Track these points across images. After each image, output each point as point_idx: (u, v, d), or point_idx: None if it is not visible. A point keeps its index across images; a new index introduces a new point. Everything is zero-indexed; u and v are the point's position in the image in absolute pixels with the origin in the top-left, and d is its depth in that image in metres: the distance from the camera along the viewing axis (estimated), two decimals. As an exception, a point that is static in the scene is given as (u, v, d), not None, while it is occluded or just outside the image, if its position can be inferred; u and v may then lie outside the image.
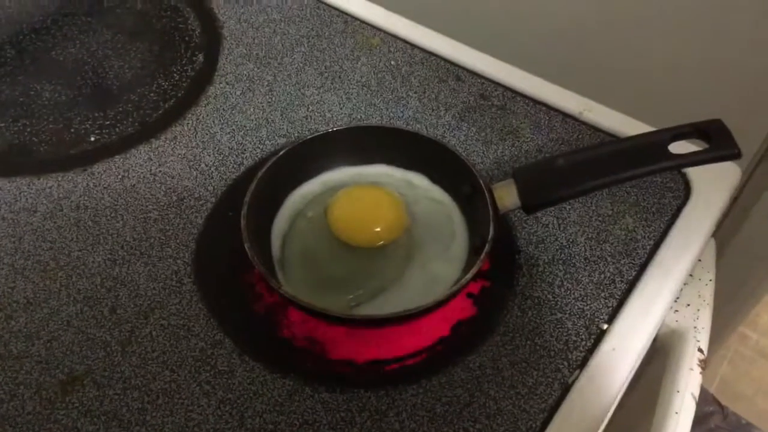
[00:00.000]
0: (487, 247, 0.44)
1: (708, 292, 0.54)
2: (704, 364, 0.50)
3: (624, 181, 0.47)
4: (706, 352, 0.51)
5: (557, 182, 0.46)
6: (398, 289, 0.46)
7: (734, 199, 0.79)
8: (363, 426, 0.41)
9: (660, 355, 0.52)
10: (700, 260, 0.55)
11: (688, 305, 0.52)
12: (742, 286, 0.89)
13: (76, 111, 0.59)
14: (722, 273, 0.83)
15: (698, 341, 0.51)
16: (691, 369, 0.49)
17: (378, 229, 0.48)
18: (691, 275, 0.54)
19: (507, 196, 0.47)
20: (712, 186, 0.53)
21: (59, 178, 0.53)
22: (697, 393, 0.48)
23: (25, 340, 0.44)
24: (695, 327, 0.52)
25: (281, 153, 0.49)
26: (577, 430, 0.41)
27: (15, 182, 0.53)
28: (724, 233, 0.84)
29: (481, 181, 0.47)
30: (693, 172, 0.53)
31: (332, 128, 0.52)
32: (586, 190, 0.47)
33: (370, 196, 0.49)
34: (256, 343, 0.45)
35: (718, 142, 0.44)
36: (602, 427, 0.43)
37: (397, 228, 0.48)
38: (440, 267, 0.47)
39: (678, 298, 0.52)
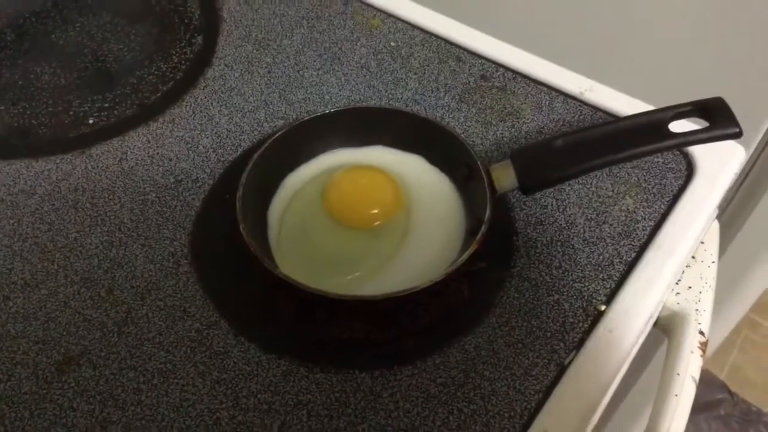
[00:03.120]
0: (483, 229, 0.44)
1: (710, 274, 0.53)
2: (705, 347, 0.50)
3: (623, 160, 0.47)
4: (707, 334, 0.50)
5: (555, 163, 0.46)
6: (395, 270, 0.46)
7: (741, 182, 0.78)
8: (357, 406, 0.41)
9: (660, 337, 0.52)
10: (702, 242, 0.54)
11: (690, 287, 0.52)
12: (750, 270, 0.88)
13: (75, 94, 0.59)
14: (730, 258, 0.83)
15: (699, 324, 0.50)
16: (692, 352, 0.49)
17: (374, 211, 0.48)
18: (693, 257, 0.53)
19: (504, 177, 0.47)
20: (716, 166, 0.52)
21: (58, 161, 0.53)
22: (697, 376, 0.48)
23: (23, 321, 0.44)
24: (697, 309, 0.51)
25: (277, 135, 0.49)
26: (573, 411, 0.41)
27: (14, 165, 0.53)
28: (731, 217, 0.83)
29: (478, 162, 0.47)
30: (696, 153, 0.53)
31: (329, 110, 0.52)
32: (585, 171, 0.46)
33: (366, 177, 0.49)
34: (251, 324, 0.44)
35: (718, 120, 0.44)
36: (600, 408, 0.43)
37: (393, 209, 0.48)
38: (437, 248, 0.47)
39: (680, 280, 0.51)
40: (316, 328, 0.45)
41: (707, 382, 1.49)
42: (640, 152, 0.44)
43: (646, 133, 0.44)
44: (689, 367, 0.47)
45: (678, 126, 0.46)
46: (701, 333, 0.50)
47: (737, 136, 0.43)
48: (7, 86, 0.60)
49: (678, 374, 0.47)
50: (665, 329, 0.51)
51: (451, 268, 0.43)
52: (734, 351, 1.61)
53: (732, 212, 0.83)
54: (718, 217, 0.56)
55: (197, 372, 0.42)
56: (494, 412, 0.40)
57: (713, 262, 0.55)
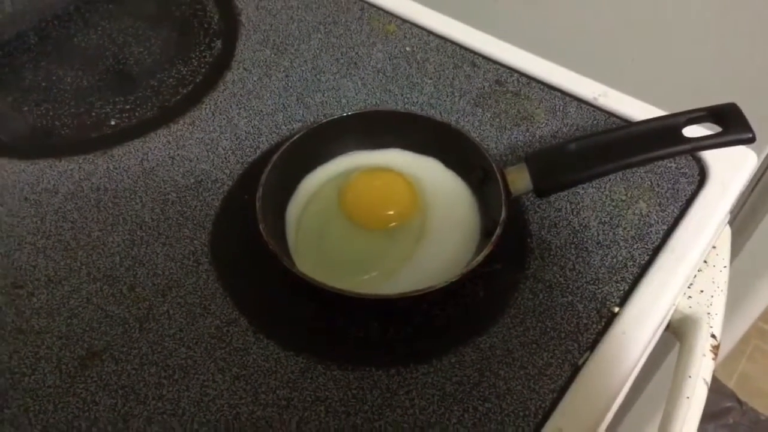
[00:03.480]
0: (498, 230, 0.44)
1: (722, 278, 0.54)
2: (717, 350, 0.50)
3: (637, 165, 0.47)
4: (719, 338, 0.51)
5: (570, 166, 0.47)
6: (411, 271, 0.47)
7: (752, 189, 0.79)
8: (374, 403, 0.41)
9: (672, 341, 0.52)
10: (714, 247, 0.54)
11: (702, 291, 0.52)
12: (760, 278, 0.88)
13: (97, 96, 0.60)
14: (741, 265, 0.83)
15: (711, 327, 0.50)
16: (704, 355, 0.49)
17: (390, 212, 0.49)
18: (705, 262, 0.54)
19: (519, 179, 0.47)
20: (728, 172, 0.53)
21: (80, 161, 0.55)
22: (709, 378, 0.48)
23: (47, 317, 0.45)
24: (708, 313, 0.51)
25: (296, 137, 0.50)
26: (587, 411, 0.41)
27: (37, 164, 0.54)
28: (742, 223, 0.84)
29: (494, 165, 0.48)
30: (708, 158, 0.53)
31: (346, 113, 0.53)
32: (599, 174, 0.47)
33: (382, 179, 0.50)
34: (270, 321, 0.45)
35: (732, 126, 0.44)
36: (613, 407, 0.43)
37: (409, 211, 0.49)
38: (452, 250, 0.48)
39: (692, 284, 0.52)
40: (334, 326, 0.45)
41: (716, 390, 1.49)
42: (654, 156, 0.45)
43: (660, 137, 0.45)
44: (701, 369, 0.48)
45: (691, 131, 0.46)
46: (713, 336, 0.50)
47: (750, 141, 0.44)
48: (30, 88, 0.61)
49: (690, 377, 0.48)
50: (677, 332, 0.52)
51: (467, 269, 0.43)
52: (743, 360, 1.60)
53: (743, 219, 0.83)
54: (730, 222, 0.56)
55: (217, 368, 0.43)
56: (509, 410, 0.41)
57: (725, 266, 0.55)
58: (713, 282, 0.53)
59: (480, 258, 0.43)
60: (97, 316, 0.45)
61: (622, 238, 0.49)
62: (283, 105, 0.59)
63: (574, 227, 0.50)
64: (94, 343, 0.44)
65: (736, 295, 0.90)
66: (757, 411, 1.50)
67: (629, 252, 0.48)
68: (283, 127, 0.57)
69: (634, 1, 0.68)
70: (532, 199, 0.51)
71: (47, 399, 0.42)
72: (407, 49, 0.63)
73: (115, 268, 0.48)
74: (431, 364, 0.43)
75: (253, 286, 0.47)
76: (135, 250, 0.49)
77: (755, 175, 0.74)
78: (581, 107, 0.58)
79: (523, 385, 0.42)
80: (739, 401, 1.51)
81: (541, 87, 0.59)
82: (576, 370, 0.43)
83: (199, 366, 0.43)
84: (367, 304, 0.44)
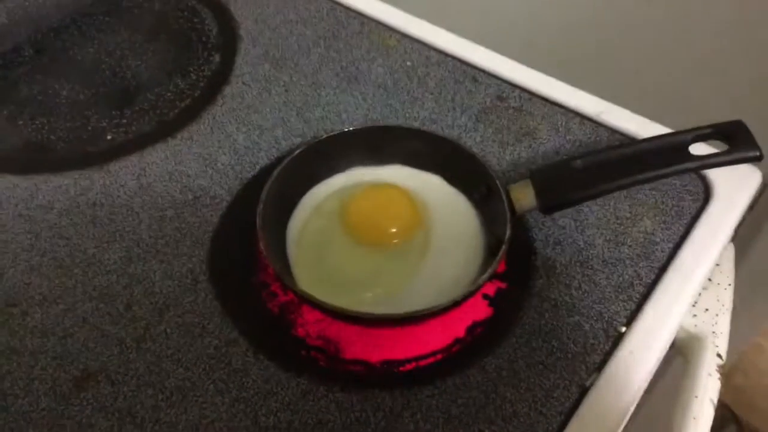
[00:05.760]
0: (503, 248, 0.44)
1: (727, 296, 0.53)
2: (723, 370, 0.49)
3: (643, 182, 0.47)
4: (724, 357, 0.50)
5: (576, 183, 0.46)
6: (414, 290, 0.46)
7: (752, 205, 0.78)
8: (377, 426, 0.40)
9: (678, 360, 0.52)
10: (718, 265, 0.54)
11: (707, 310, 0.52)
12: (761, 294, 0.88)
13: (94, 110, 0.59)
14: (741, 280, 0.83)
15: (717, 346, 0.50)
16: (710, 374, 0.49)
17: (393, 230, 0.48)
18: (710, 280, 0.53)
19: (524, 197, 0.47)
20: (733, 190, 0.52)
21: (76, 176, 0.54)
22: (715, 398, 0.47)
23: (41, 336, 0.44)
24: (714, 332, 0.51)
25: (297, 152, 0.50)
26: (595, 434, 0.41)
27: (32, 179, 0.54)
28: (743, 239, 0.83)
29: (498, 182, 0.47)
30: (713, 176, 0.53)
31: (348, 128, 0.52)
32: (606, 191, 0.47)
33: (385, 195, 0.49)
34: (270, 342, 0.44)
35: (738, 143, 0.44)
36: (621, 429, 0.42)
37: (412, 228, 0.48)
38: (456, 268, 0.47)
39: (696, 302, 0.51)
40: (336, 346, 0.44)
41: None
42: (661, 174, 0.45)
43: (667, 155, 0.45)
44: (708, 389, 0.47)
45: (698, 149, 0.46)
46: (719, 356, 0.50)
47: (758, 159, 0.43)
48: (25, 101, 0.60)
49: (696, 397, 0.47)
50: (682, 351, 0.51)
51: (471, 288, 0.42)
52: (738, 375, 1.60)
53: (743, 234, 0.83)
54: (732, 239, 0.56)
55: (216, 390, 0.42)
56: (515, 433, 0.40)
57: (729, 284, 0.55)
58: (718, 300, 0.53)
59: (485, 277, 0.43)
60: (92, 335, 0.44)
61: (627, 256, 0.48)
62: (283, 120, 0.58)
63: (579, 245, 0.49)
64: (89, 363, 0.43)
65: (737, 312, 0.89)
66: (755, 427, 1.50)
67: (635, 270, 0.48)
68: (283, 142, 0.57)
69: (638, 17, 0.68)
70: (535, 215, 0.51)
71: (41, 422, 0.41)
72: (408, 63, 0.63)
73: (111, 287, 0.47)
74: (435, 386, 0.42)
75: (253, 305, 0.46)
76: (132, 267, 0.48)
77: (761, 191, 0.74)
78: (584, 123, 0.57)
79: (530, 408, 0.41)
80: (736, 417, 1.50)
81: (543, 103, 0.59)
82: (584, 392, 0.42)
83: (198, 388, 0.42)
84: (370, 324, 0.44)
